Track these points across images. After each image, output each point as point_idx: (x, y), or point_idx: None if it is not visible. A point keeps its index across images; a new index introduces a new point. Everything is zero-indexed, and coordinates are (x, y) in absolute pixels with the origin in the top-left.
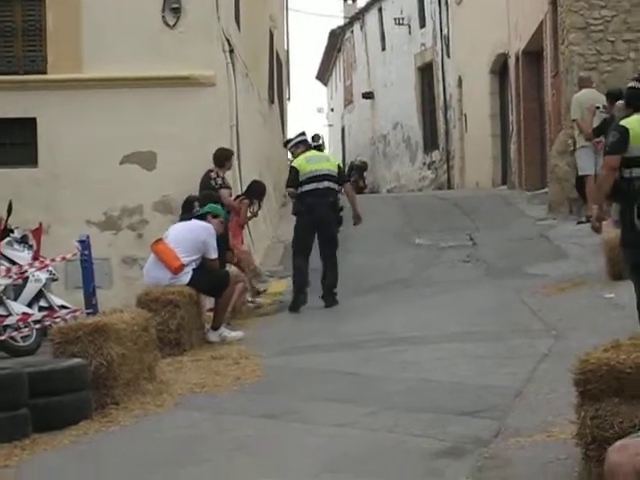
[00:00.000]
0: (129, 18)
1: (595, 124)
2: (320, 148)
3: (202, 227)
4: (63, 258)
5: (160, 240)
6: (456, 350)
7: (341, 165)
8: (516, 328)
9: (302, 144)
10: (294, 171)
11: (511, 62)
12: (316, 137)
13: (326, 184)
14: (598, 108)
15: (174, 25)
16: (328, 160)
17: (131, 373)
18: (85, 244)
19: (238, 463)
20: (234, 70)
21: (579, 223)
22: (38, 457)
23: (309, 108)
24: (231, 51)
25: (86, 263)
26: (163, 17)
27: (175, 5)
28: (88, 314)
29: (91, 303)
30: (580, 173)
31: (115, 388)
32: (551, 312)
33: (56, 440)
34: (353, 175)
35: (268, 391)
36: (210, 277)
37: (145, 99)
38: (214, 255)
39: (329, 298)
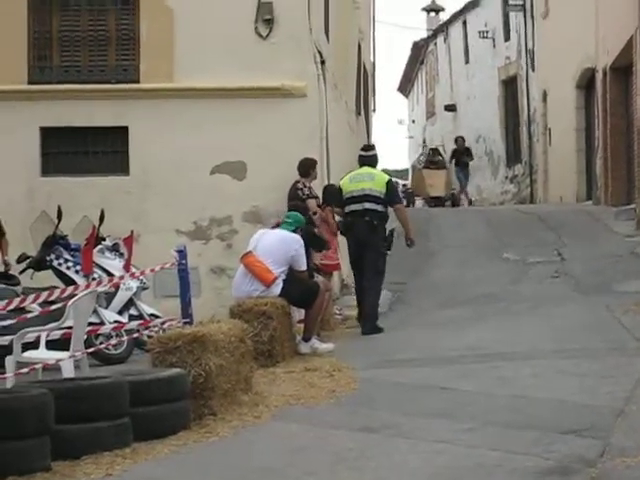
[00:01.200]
0: (221, 28)
1: None
2: (372, 160)
3: (293, 239)
4: (162, 267)
5: (249, 253)
6: (552, 367)
7: (392, 183)
8: (611, 346)
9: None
10: (339, 190)
11: (598, 77)
12: (365, 148)
13: (366, 205)
14: None
15: (267, 36)
16: (372, 179)
17: (228, 384)
18: (183, 254)
19: (341, 477)
20: (324, 81)
21: None
22: (140, 466)
23: (390, 120)
24: (322, 62)
25: (183, 273)
26: (256, 28)
27: (268, 16)
28: (185, 324)
29: (187, 313)
30: None
31: (212, 399)
32: None
33: (156, 450)
34: None
35: (365, 404)
36: (300, 288)
37: (236, 109)
38: (304, 267)
39: (366, 324)
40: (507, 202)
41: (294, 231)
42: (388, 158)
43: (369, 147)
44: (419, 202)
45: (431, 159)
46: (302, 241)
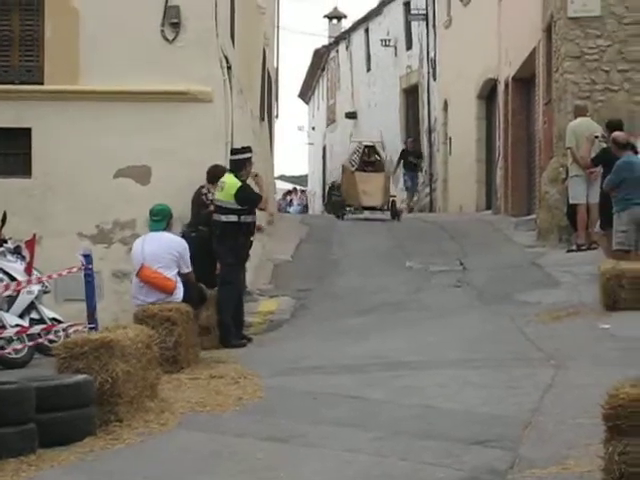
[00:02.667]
0: (128, 31)
1: (593, 153)
2: (234, 165)
3: (174, 241)
4: (69, 271)
5: (143, 267)
6: (458, 377)
7: (244, 191)
8: (515, 356)
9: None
10: None
11: (500, 88)
12: (232, 151)
13: (214, 216)
14: (597, 137)
15: (173, 40)
16: (222, 189)
17: (135, 390)
18: (89, 258)
19: None
20: (230, 87)
21: (569, 251)
22: (45, 474)
23: (290, 126)
24: (228, 68)
25: (89, 277)
26: (162, 31)
27: (174, 20)
28: (90, 329)
29: (93, 318)
30: (571, 201)
31: (119, 405)
32: (548, 341)
33: (62, 456)
34: (334, 195)
35: (272, 413)
36: (196, 291)
37: (141, 113)
38: (188, 269)
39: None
40: (406, 210)
41: (167, 227)
42: (288, 164)
43: (236, 150)
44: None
45: (366, 159)
46: (185, 243)
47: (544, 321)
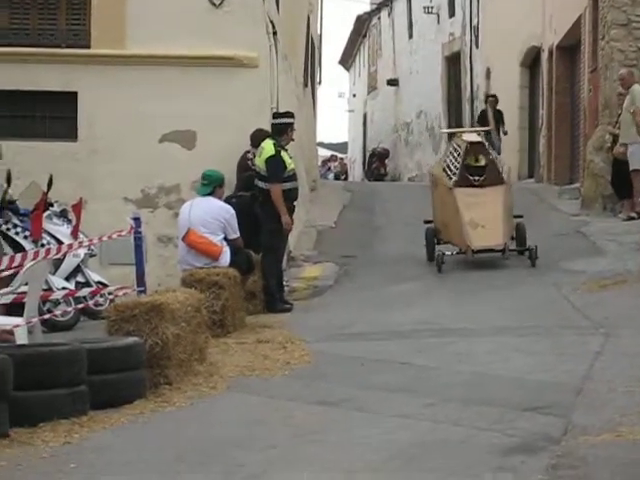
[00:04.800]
0: None
1: None
2: (274, 130)
3: (221, 207)
4: (118, 234)
5: (189, 231)
6: (507, 344)
7: (272, 160)
8: (563, 324)
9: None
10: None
11: (544, 56)
12: (273, 115)
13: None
14: None
15: (219, 4)
16: (259, 155)
17: (184, 354)
18: (138, 222)
19: (303, 451)
20: (276, 52)
21: (629, 219)
22: (97, 435)
23: (331, 93)
24: (274, 33)
25: (139, 241)
26: None
27: None
28: (139, 292)
29: (142, 281)
30: (633, 167)
31: (169, 368)
32: (595, 309)
33: (113, 418)
34: (374, 162)
35: (320, 378)
36: (243, 257)
37: (187, 78)
38: (235, 235)
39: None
40: None
41: (212, 192)
42: (328, 131)
43: (278, 114)
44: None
45: (472, 163)
46: (232, 210)
47: (591, 289)
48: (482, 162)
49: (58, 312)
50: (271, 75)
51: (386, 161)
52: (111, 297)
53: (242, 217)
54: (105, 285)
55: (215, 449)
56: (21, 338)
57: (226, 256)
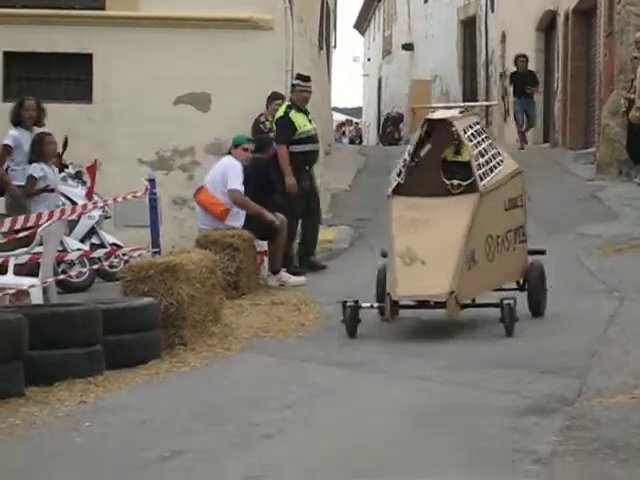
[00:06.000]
0: None
1: None
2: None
3: (226, 160)
4: (133, 195)
5: (201, 189)
6: (523, 306)
7: (280, 121)
8: (578, 288)
9: None
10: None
11: (560, 19)
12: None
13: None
14: None
15: None
16: (273, 116)
17: (199, 314)
18: (153, 183)
19: (321, 411)
20: (291, 15)
21: None
22: (113, 395)
23: (345, 57)
24: None
25: (154, 202)
26: None
27: None
28: (154, 254)
29: (157, 243)
30: None
31: (183, 329)
32: (610, 273)
33: (128, 378)
34: (389, 126)
35: (336, 339)
36: (260, 222)
37: (202, 40)
38: (232, 186)
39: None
40: None
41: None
42: (342, 96)
43: (299, 76)
44: None
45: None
46: (235, 162)
47: (606, 254)
48: (465, 156)
49: (73, 273)
50: (286, 37)
51: (400, 126)
52: (125, 258)
53: (257, 179)
54: (119, 247)
55: (230, 409)
56: (36, 298)
57: (236, 218)
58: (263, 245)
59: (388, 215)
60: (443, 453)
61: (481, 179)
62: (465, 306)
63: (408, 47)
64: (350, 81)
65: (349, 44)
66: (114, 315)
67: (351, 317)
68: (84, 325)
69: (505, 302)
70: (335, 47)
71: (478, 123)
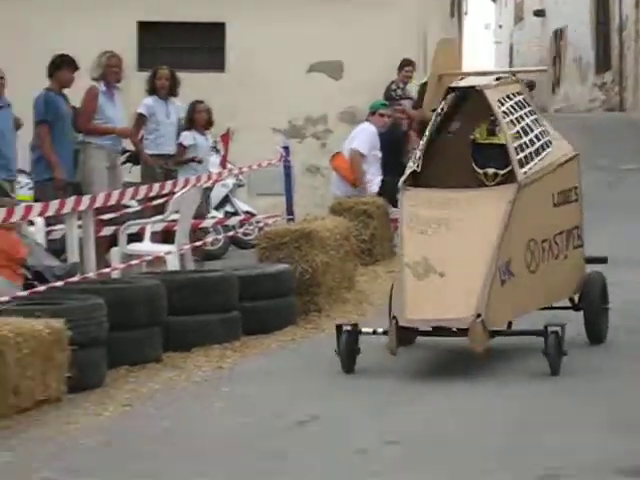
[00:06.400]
0: None
1: None
2: None
3: (358, 128)
4: (268, 163)
5: (337, 154)
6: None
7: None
8: None
9: None
10: None
11: None
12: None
13: None
14: None
15: None
16: None
17: (333, 281)
18: (288, 150)
19: (459, 379)
20: None
21: None
22: (249, 360)
23: (476, 24)
24: None
25: (288, 170)
26: None
27: None
28: (289, 220)
29: (291, 210)
30: None
31: (318, 295)
32: None
33: (264, 343)
34: None
35: None
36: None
37: (334, 8)
38: (355, 145)
39: None
40: (595, 110)
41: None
42: (473, 64)
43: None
44: None
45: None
46: (370, 127)
47: None
48: (501, 138)
49: (208, 240)
50: (418, 5)
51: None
52: (260, 226)
53: (387, 143)
54: (253, 215)
55: (364, 377)
56: (172, 265)
57: (369, 185)
58: (396, 212)
59: (400, 212)
60: None
61: (521, 165)
62: (496, 333)
63: (540, 13)
64: (481, 49)
65: (481, 11)
66: (250, 282)
67: (347, 346)
68: (220, 291)
69: (551, 329)
70: (467, 14)
71: (520, 93)
